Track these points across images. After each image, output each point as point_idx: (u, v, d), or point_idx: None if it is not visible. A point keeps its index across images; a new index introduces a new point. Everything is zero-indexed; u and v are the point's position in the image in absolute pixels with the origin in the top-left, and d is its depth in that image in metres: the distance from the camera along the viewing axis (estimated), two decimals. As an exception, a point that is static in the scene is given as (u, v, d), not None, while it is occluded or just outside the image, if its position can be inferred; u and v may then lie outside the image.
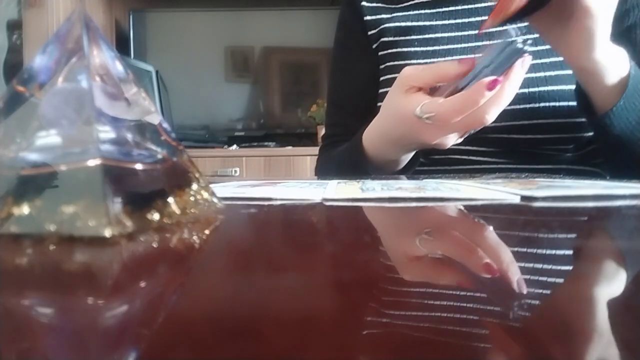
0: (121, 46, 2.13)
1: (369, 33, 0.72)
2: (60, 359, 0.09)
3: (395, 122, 0.52)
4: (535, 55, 0.61)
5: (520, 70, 0.46)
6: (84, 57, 0.20)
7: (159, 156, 0.22)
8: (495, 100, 0.45)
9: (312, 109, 2.07)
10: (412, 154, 0.58)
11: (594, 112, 0.53)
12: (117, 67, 0.22)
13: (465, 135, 0.51)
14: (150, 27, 2.20)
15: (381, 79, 0.70)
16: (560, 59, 0.60)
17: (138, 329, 0.10)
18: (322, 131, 1.96)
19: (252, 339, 0.09)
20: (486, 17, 0.63)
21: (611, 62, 0.49)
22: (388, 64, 0.69)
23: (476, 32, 0.65)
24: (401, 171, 0.60)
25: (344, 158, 0.64)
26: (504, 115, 0.61)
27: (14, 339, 0.09)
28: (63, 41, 0.21)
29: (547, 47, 0.61)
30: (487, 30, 0.53)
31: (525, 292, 0.12)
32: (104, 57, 0.21)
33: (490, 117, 0.46)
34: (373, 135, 0.58)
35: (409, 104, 0.49)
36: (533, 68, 0.61)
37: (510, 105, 0.61)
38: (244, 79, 2.25)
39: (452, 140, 0.50)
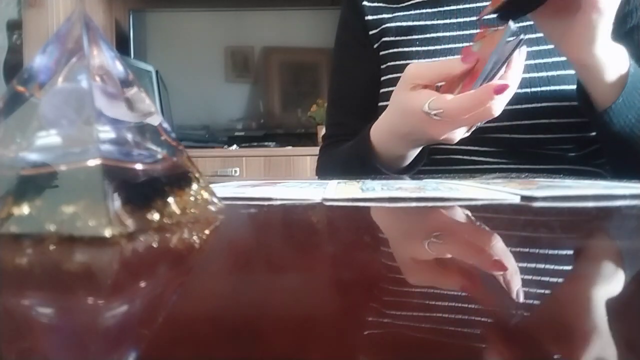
0: (121, 46, 2.13)
1: (370, 33, 0.72)
2: (60, 359, 0.09)
3: (404, 118, 0.52)
4: (537, 55, 0.61)
5: (519, 60, 0.47)
6: (84, 57, 0.20)
7: (159, 156, 0.22)
8: (502, 96, 0.46)
9: (312, 109, 2.07)
10: (420, 149, 0.59)
11: (594, 110, 0.54)
12: (117, 67, 0.22)
13: (472, 129, 0.52)
14: (150, 27, 2.20)
15: (382, 78, 0.70)
16: (562, 59, 0.60)
17: (138, 329, 0.10)
18: (322, 131, 1.96)
19: (252, 339, 0.09)
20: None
21: (611, 59, 0.50)
22: (390, 63, 0.69)
23: (478, 31, 0.65)
24: (407, 168, 0.60)
25: (350, 154, 0.64)
26: (505, 115, 0.61)
27: (14, 339, 0.09)
28: (63, 41, 0.21)
29: (549, 47, 0.61)
30: (486, 18, 0.53)
31: (525, 292, 0.12)
32: (104, 57, 0.21)
33: (497, 112, 0.47)
34: (381, 131, 0.58)
35: (417, 100, 0.49)
36: (535, 68, 0.61)
37: (511, 105, 0.61)
38: (244, 79, 2.25)
39: (459, 134, 0.51)
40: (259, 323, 0.10)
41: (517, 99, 0.61)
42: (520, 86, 0.60)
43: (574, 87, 0.57)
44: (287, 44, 2.25)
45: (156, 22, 2.21)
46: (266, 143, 2.08)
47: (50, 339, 0.10)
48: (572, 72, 0.59)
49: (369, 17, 0.72)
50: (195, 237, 0.19)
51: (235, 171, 1.87)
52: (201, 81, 2.20)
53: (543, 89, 0.60)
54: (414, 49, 0.67)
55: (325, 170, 0.75)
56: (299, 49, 2.25)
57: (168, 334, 0.09)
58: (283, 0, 2.20)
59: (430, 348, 0.09)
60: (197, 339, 0.09)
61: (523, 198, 0.28)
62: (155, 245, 0.17)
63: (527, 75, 0.60)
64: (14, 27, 1.83)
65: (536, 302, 0.12)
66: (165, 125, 0.23)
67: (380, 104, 0.70)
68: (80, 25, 0.21)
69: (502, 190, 0.31)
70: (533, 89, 0.60)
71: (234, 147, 2.02)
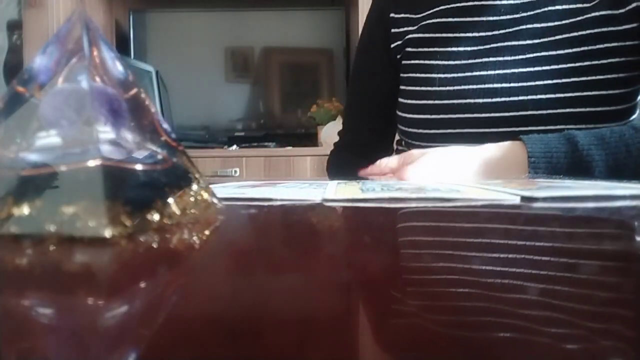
0: (121, 46, 2.13)
1: (392, 45, 0.72)
2: (60, 359, 0.09)
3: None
4: (535, 62, 0.61)
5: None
6: (84, 57, 0.20)
7: (159, 157, 0.22)
8: None
9: (312, 110, 2.07)
10: None
11: None
12: (117, 67, 0.22)
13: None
14: (150, 27, 2.20)
15: (402, 87, 0.70)
16: (562, 65, 0.60)
17: (138, 329, 0.10)
18: (321, 131, 1.96)
19: (252, 339, 0.09)
20: (510, 29, 0.63)
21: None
22: (410, 75, 0.69)
23: (498, 44, 0.64)
24: None
25: None
26: (507, 122, 0.61)
27: (14, 339, 0.09)
28: (63, 42, 0.21)
29: (550, 53, 0.61)
30: None
31: (524, 291, 0.12)
32: (104, 57, 0.21)
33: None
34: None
35: None
36: (535, 75, 0.61)
37: (510, 112, 0.61)
38: (244, 80, 2.25)
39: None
40: (259, 323, 0.10)
41: (517, 106, 0.61)
42: (517, 94, 0.61)
43: (576, 94, 0.59)
44: (287, 45, 2.25)
45: (156, 22, 2.21)
46: (266, 143, 2.08)
47: (50, 340, 0.10)
48: (567, 80, 0.60)
49: (394, 30, 0.72)
50: (195, 238, 0.19)
51: (235, 171, 1.87)
52: (201, 81, 2.20)
53: (540, 96, 0.61)
54: (434, 62, 0.66)
55: (335, 170, 0.78)
56: (299, 49, 2.24)
57: (168, 334, 0.09)
58: (283, 0, 2.20)
59: (430, 348, 0.09)
60: (197, 340, 0.09)
61: (523, 198, 0.28)
62: (155, 245, 0.17)
63: (524, 84, 0.61)
64: (14, 27, 1.83)
65: (536, 302, 0.12)
66: (165, 125, 0.23)
67: (400, 114, 0.70)
68: (80, 26, 0.21)
69: (502, 191, 0.31)
70: (531, 97, 0.61)
71: (234, 147, 2.01)
